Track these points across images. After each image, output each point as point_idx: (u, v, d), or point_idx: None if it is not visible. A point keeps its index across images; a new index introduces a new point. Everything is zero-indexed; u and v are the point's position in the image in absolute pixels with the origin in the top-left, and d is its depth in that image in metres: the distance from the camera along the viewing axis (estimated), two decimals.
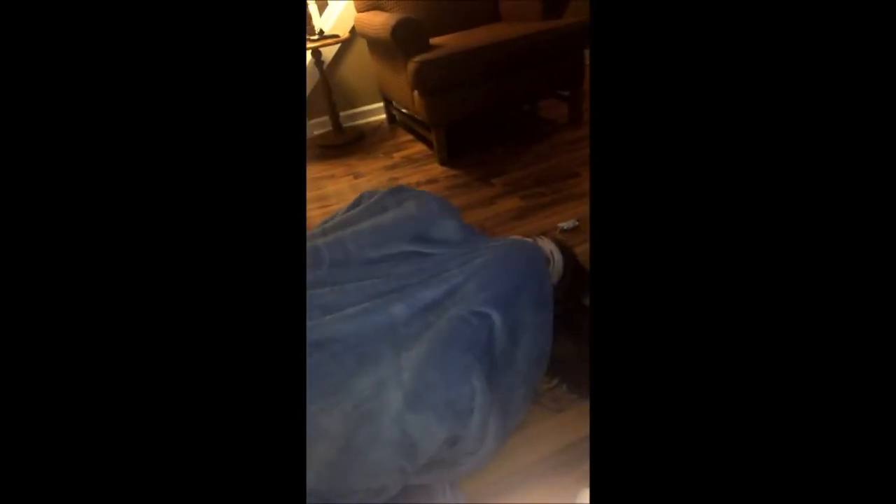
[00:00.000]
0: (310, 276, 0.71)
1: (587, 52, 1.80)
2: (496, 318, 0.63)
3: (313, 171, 1.90)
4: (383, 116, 2.38)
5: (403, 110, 2.01)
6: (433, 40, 1.63)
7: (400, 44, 1.50)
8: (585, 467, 0.65)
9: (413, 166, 1.79)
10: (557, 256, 0.87)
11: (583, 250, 1.12)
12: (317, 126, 2.34)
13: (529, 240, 0.84)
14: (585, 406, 0.73)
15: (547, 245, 0.87)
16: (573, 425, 0.71)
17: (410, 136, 2.10)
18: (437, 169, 1.73)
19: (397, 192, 0.99)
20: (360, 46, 2.20)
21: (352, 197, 1.59)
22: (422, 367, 0.57)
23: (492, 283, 0.65)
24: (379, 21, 1.57)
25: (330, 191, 1.69)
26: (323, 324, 0.59)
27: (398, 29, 1.47)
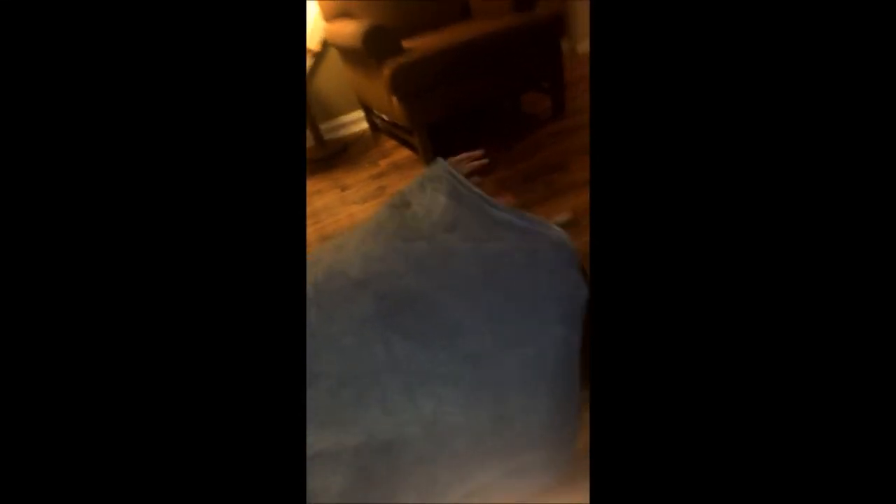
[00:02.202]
0: None
1: (564, 43, 1.78)
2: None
3: None
4: (365, 125, 2.35)
5: (384, 116, 1.98)
6: (406, 43, 1.60)
7: (372, 51, 1.47)
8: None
9: (400, 173, 1.77)
10: None
11: (582, 243, 1.10)
12: None
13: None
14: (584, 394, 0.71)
15: None
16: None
17: (395, 143, 2.07)
18: None
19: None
20: (334, 56, 2.17)
21: (342, 213, 1.58)
22: (441, 411, 0.53)
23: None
24: (348, 30, 1.54)
25: (318, 206, 1.66)
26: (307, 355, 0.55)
27: (369, 36, 1.44)
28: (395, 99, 1.56)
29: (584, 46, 2.64)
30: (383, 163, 1.90)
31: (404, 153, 1.93)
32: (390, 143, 2.08)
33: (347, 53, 1.86)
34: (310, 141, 2.20)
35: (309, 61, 2.15)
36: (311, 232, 1.49)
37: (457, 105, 1.63)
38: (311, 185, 1.86)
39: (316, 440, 0.52)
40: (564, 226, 1.18)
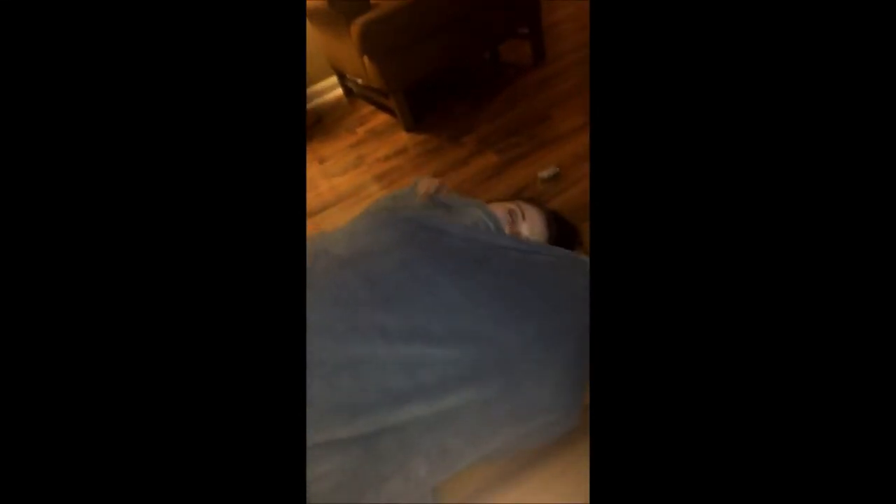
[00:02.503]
0: None
1: None
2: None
3: None
4: (339, 91, 2.24)
5: (358, 80, 1.89)
6: None
7: (338, 7, 1.38)
8: (584, 447, 0.62)
9: (379, 139, 1.70)
10: (539, 222, 0.82)
11: (570, 196, 1.08)
12: None
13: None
14: None
15: (526, 226, 0.81)
16: None
17: (371, 107, 1.98)
18: (403, 137, 1.64)
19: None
20: None
21: (323, 186, 1.52)
22: (445, 388, 0.52)
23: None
24: None
25: None
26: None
27: None
28: (367, 60, 1.47)
29: None
30: (360, 130, 1.83)
31: (382, 118, 1.86)
32: (367, 109, 2.00)
33: (313, 14, 1.75)
34: None
35: None
36: None
37: (433, 61, 1.55)
38: None
39: (317, 430, 0.51)
40: (550, 179, 1.15)
